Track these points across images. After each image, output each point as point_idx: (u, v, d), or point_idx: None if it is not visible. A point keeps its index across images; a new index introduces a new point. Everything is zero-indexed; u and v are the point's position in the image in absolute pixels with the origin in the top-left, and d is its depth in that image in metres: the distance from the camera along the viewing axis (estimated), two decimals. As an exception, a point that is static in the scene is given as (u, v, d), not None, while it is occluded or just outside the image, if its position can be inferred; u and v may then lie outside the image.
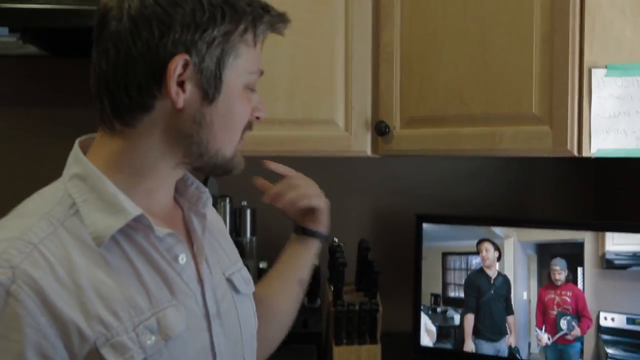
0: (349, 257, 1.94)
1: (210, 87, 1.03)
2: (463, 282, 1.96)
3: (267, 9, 1.09)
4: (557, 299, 1.87)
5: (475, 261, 1.96)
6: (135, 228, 1.03)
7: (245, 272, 1.27)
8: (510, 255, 1.92)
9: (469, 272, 1.97)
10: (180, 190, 1.18)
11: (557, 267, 1.85)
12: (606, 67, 1.45)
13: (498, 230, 1.93)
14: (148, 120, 1.03)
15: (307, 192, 1.44)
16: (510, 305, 1.91)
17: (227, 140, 1.09)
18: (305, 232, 1.46)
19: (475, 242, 1.95)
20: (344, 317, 1.89)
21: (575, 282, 1.84)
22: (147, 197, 1.07)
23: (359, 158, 1.83)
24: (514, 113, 1.56)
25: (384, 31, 1.76)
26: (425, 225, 2.00)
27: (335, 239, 1.96)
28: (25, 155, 2.16)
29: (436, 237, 2.01)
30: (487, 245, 1.95)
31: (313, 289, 1.94)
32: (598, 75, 1.45)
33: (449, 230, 2.01)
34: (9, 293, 0.91)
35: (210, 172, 1.13)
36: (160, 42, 0.99)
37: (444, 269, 2.00)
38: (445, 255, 2.00)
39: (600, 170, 2.20)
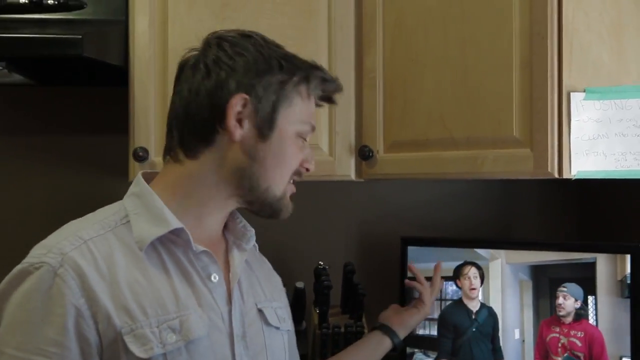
0: (334, 280, 1.95)
1: (264, 126, 1.18)
2: (435, 315, 1.76)
3: (319, 67, 1.26)
4: (564, 340, 1.59)
5: (451, 289, 1.79)
6: (176, 243, 1.17)
7: (280, 311, 1.37)
8: (497, 280, 1.73)
9: (443, 306, 1.75)
10: (229, 227, 1.30)
11: (567, 295, 1.59)
12: (584, 90, 1.48)
13: (482, 251, 1.78)
14: (209, 153, 1.18)
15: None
16: (499, 348, 1.69)
17: (277, 178, 1.22)
18: (387, 332, 1.64)
19: (454, 265, 1.76)
20: (329, 339, 1.89)
21: (587, 317, 1.58)
22: (194, 220, 1.20)
23: (343, 181, 1.84)
24: (495, 136, 1.57)
25: (366, 57, 1.78)
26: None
27: (321, 262, 1.97)
28: (10, 182, 2.15)
29: (411, 258, 1.86)
30: (472, 271, 1.76)
31: (298, 312, 1.94)
32: (577, 98, 1.47)
33: (426, 250, 1.88)
34: (57, 274, 1.07)
35: (260, 209, 1.25)
36: (225, 83, 1.16)
37: (410, 299, 1.77)
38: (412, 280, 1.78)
39: (583, 191, 2.22)
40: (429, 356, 1.81)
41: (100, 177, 2.15)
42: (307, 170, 1.28)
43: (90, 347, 1.07)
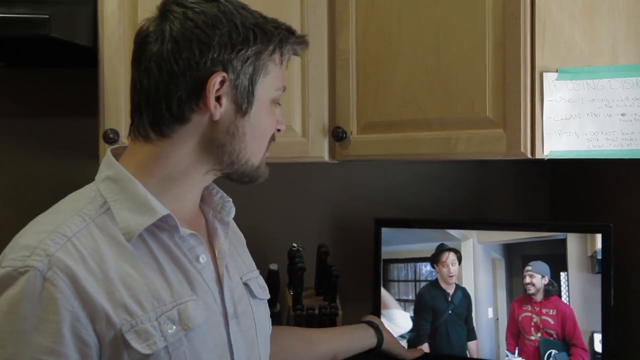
0: (308, 262, 1.94)
1: (243, 101, 1.15)
2: (411, 297, 1.77)
3: (291, 31, 1.22)
4: (536, 318, 1.60)
5: (425, 269, 1.78)
6: (160, 228, 1.13)
7: (261, 280, 1.37)
8: (469, 261, 1.72)
9: (419, 288, 1.75)
10: (205, 199, 1.27)
11: (533, 273, 1.61)
12: (557, 71, 1.48)
13: (454, 232, 1.78)
14: (183, 131, 1.14)
15: None
16: (472, 328, 1.70)
17: (256, 150, 1.20)
18: (377, 333, 1.69)
19: (428, 246, 1.76)
20: (303, 321, 1.89)
21: (560, 294, 1.59)
22: (175, 201, 1.16)
23: (317, 163, 1.83)
24: (468, 117, 1.57)
25: (339, 37, 1.78)
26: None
27: (295, 244, 1.96)
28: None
29: (383, 241, 1.86)
30: (450, 257, 1.75)
31: (272, 294, 1.94)
32: (549, 79, 1.48)
33: (398, 232, 1.87)
34: (46, 278, 1.00)
35: (239, 179, 1.23)
36: (201, 61, 1.11)
37: (385, 281, 1.83)
38: (386, 263, 1.84)
39: (555, 171, 2.23)
40: (404, 337, 1.82)
41: (70, 159, 2.12)
42: (279, 130, 1.25)
43: (89, 350, 1.02)
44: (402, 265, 1.83)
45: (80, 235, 1.06)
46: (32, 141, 2.13)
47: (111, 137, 1.70)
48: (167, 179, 1.16)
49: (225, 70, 1.12)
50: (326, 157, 1.81)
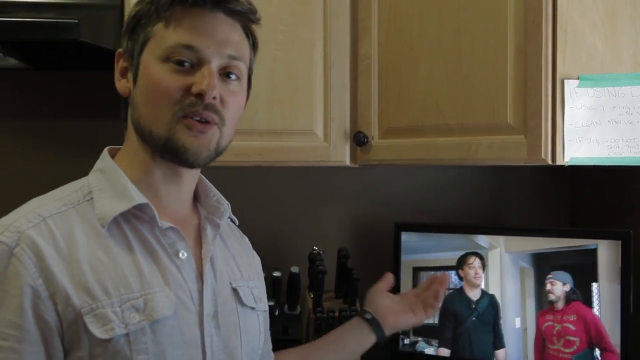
0: (328, 265, 1.95)
1: (132, 70, 1.16)
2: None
3: None
4: (558, 326, 1.57)
5: (454, 280, 1.78)
6: (140, 219, 1.14)
7: (257, 291, 1.33)
8: (496, 269, 1.71)
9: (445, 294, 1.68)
10: (202, 200, 1.28)
11: (554, 281, 1.59)
12: (578, 78, 1.49)
13: (482, 241, 1.77)
14: (129, 117, 1.18)
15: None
16: (500, 335, 1.67)
17: (151, 116, 1.13)
18: (375, 328, 1.55)
19: (455, 255, 1.75)
20: (323, 323, 1.90)
21: (582, 301, 1.57)
22: (150, 192, 1.16)
23: (338, 167, 1.85)
24: (489, 123, 1.58)
25: (361, 43, 1.79)
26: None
27: (315, 247, 1.98)
28: (5, 166, 2.16)
29: (411, 249, 1.84)
30: (476, 261, 1.74)
31: (293, 296, 1.96)
32: (570, 86, 1.48)
33: (425, 241, 1.86)
34: (13, 254, 1.03)
35: (168, 158, 1.15)
36: (122, 38, 1.18)
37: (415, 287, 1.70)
38: (416, 270, 1.83)
39: (576, 177, 2.23)
40: (431, 345, 1.81)
41: (95, 161, 2.14)
42: (201, 95, 1.11)
43: (50, 329, 1.03)
44: (432, 272, 1.80)
45: (56, 217, 1.09)
46: (59, 144, 2.16)
47: (136, 140, 1.72)
48: (136, 167, 1.18)
49: (126, 45, 1.18)
50: (347, 162, 1.82)
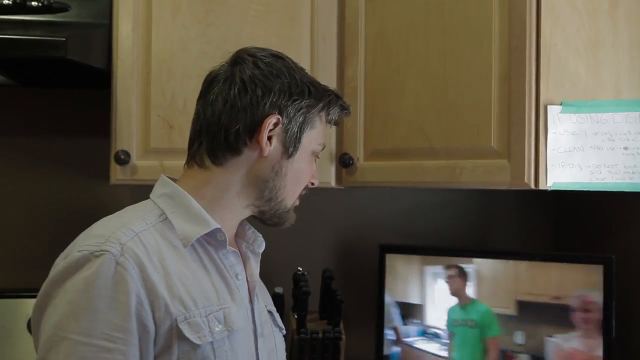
0: (312, 286, 1.96)
1: (290, 145, 1.28)
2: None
3: (339, 96, 1.36)
4: None
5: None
6: (209, 242, 1.25)
7: (278, 317, 1.46)
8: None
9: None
10: (239, 233, 1.37)
11: None
12: (561, 104, 1.51)
13: (466, 262, 1.87)
14: (235, 162, 1.26)
15: None
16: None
17: (292, 192, 1.32)
18: None
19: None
20: (307, 345, 1.90)
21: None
22: (220, 223, 1.25)
23: (323, 188, 1.85)
24: (473, 147, 1.60)
25: (348, 66, 1.81)
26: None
27: (300, 268, 1.98)
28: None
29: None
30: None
31: (277, 318, 1.95)
32: (553, 111, 1.50)
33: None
34: (118, 263, 1.11)
35: (269, 219, 1.34)
36: (261, 102, 1.25)
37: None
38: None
39: (559, 202, 2.25)
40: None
41: (82, 179, 2.14)
42: (312, 184, 1.37)
43: (147, 335, 1.12)
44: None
45: (145, 234, 1.18)
46: (45, 161, 2.15)
47: (122, 158, 1.73)
48: (215, 202, 1.27)
49: (280, 114, 1.26)
50: (333, 183, 1.83)
